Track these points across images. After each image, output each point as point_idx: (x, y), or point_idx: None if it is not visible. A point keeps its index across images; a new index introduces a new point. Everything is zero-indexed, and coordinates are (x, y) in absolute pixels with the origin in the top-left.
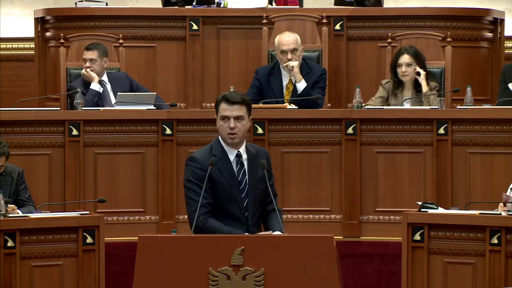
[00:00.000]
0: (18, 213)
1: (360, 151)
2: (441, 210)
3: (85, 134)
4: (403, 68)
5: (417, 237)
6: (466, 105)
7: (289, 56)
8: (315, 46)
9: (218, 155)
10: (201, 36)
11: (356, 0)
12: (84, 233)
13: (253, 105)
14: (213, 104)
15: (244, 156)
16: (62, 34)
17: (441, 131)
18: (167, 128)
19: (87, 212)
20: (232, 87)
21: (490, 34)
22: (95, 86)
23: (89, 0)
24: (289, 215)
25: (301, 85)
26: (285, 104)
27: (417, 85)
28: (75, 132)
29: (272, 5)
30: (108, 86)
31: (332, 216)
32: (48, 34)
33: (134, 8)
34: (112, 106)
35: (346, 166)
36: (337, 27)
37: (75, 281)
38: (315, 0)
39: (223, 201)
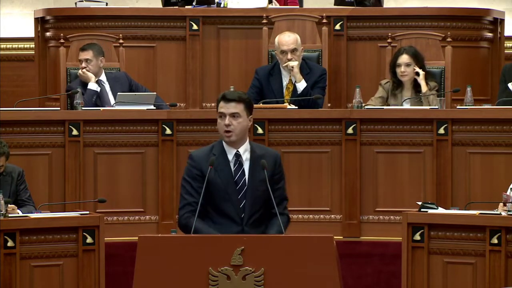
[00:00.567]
0: (18, 213)
1: (360, 151)
2: (441, 210)
3: (85, 134)
4: (402, 68)
5: (417, 237)
6: (466, 105)
7: (289, 56)
8: (315, 46)
9: (217, 154)
10: (201, 36)
11: (356, 0)
12: (84, 233)
13: (254, 105)
14: (213, 104)
15: (246, 156)
16: (62, 34)
17: (441, 131)
18: (167, 128)
19: (87, 212)
20: (232, 87)
21: (490, 34)
22: (92, 86)
23: (89, 0)
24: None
25: (301, 85)
26: (285, 104)
27: (416, 85)
28: (75, 132)
29: (272, 3)
30: (107, 86)
31: (332, 216)
32: (48, 34)
33: (134, 8)
34: (112, 106)
35: (346, 166)
36: (337, 27)
37: (75, 281)
38: (315, 0)
39: (218, 200)
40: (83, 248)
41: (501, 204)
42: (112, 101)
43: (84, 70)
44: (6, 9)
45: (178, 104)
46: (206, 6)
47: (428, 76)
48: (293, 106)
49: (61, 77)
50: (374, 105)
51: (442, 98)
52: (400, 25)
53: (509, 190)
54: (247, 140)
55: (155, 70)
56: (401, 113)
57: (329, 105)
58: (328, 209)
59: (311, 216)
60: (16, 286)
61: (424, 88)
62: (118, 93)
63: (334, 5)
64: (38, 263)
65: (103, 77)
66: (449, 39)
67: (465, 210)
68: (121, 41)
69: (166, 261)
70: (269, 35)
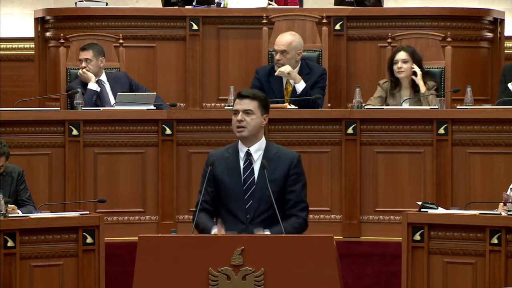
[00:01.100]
0: (18, 213)
1: (360, 151)
2: (441, 210)
3: (85, 134)
4: (399, 64)
5: (417, 237)
6: (466, 105)
7: (278, 56)
8: (315, 46)
9: (230, 153)
10: (201, 36)
11: (356, 0)
12: (84, 233)
13: None
14: (213, 104)
15: (257, 155)
16: (62, 34)
17: (441, 131)
18: (167, 128)
19: (87, 212)
20: (232, 87)
21: (490, 34)
22: (92, 85)
23: (89, 0)
24: None
25: (300, 85)
26: (285, 104)
27: (414, 85)
28: (75, 132)
29: (272, 1)
30: (107, 86)
31: (332, 216)
32: (48, 34)
33: (134, 8)
34: (112, 106)
35: (346, 166)
36: (337, 27)
37: (75, 281)
38: (315, 0)
39: (225, 198)
40: (83, 248)
41: (501, 204)
42: (112, 101)
43: (84, 70)
44: (6, 9)
45: (178, 104)
46: (206, 6)
47: (427, 75)
48: (293, 106)
49: (61, 77)
50: (374, 105)
51: (442, 98)
52: (400, 25)
53: (509, 190)
54: (262, 140)
55: (155, 70)
56: (401, 113)
57: (329, 105)
58: (328, 209)
59: (311, 216)
60: (16, 286)
61: (422, 88)
62: (118, 93)
63: (334, 5)
64: (38, 263)
65: (103, 77)
66: (449, 39)
67: (465, 210)
68: (121, 41)
69: (166, 261)
70: (269, 35)
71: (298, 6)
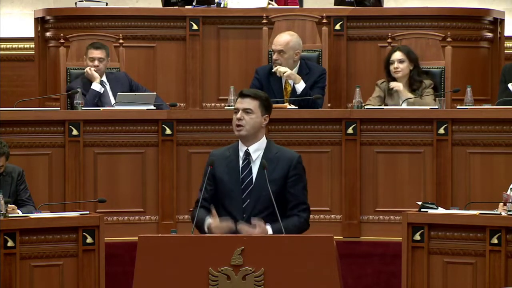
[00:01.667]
0: (18, 213)
1: (360, 151)
2: (441, 210)
3: (85, 134)
4: (395, 64)
5: (417, 237)
6: (466, 105)
7: (275, 56)
8: (315, 46)
9: (231, 153)
10: (201, 36)
11: (356, 0)
12: (84, 233)
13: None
14: (213, 104)
15: (257, 155)
16: (62, 34)
17: (441, 131)
18: (167, 128)
19: (87, 212)
20: (232, 87)
21: (490, 34)
22: (96, 86)
23: (89, 0)
24: None
25: (300, 86)
26: (285, 104)
27: (411, 84)
28: (75, 132)
29: (272, 1)
30: (108, 86)
31: (332, 216)
32: (48, 34)
33: (134, 8)
34: (112, 106)
35: (346, 166)
36: (337, 27)
37: (75, 281)
38: (315, 0)
39: (222, 196)
40: (83, 248)
41: (501, 204)
42: (113, 101)
43: (92, 68)
44: (6, 9)
45: (178, 104)
46: (206, 6)
47: (423, 74)
48: (293, 106)
49: (61, 77)
50: (373, 105)
51: (442, 98)
52: (400, 25)
53: (509, 190)
54: (262, 140)
55: (155, 70)
56: (401, 113)
57: (329, 105)
58: (328, 209)
59: (311, 216)
60: (16, 286)
61: (405, 95)
62: (118, 93)
63: (334, 5)
64: (38, 263)
65: (104, 78)
66: (449, 39)
67: (465, 210)
68: (121, 41)
69: (166, 261)
70: (269, 35)
71: (298, 6)
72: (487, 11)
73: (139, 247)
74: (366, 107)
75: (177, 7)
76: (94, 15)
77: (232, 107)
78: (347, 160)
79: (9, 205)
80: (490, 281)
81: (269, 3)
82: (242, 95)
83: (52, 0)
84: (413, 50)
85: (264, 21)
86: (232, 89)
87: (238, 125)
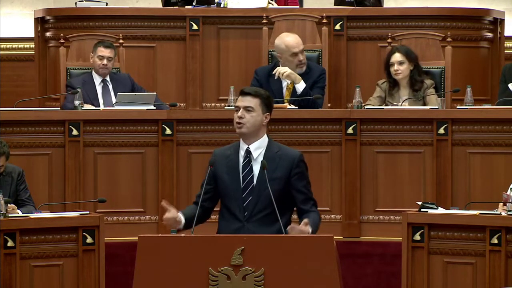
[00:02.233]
0: (18, 213)
1: (360, 151)
2: (441, 210)
3: (85, 134)
4: (395, 67)
5: (417, 237)
6: (466, 105)
7: (301, 57)
8: (315, 46)
9: (232, 151)
10: (201, 36)
11: (356, 0)
12: (84, 233)
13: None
14: (213, 104)
15: (258, 153)
16: (62, 34)
17: (441, 131)
18: (167, 128)
19: (87, 212)
20: (232, 87)
21: (490, 34)
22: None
23: (89, 0)
24: None
25: (300, 86)
26: (285, 104)
27: (412, 84)
28: (75, 132)
29: (272, 1)
30: (110, 86)
31: (332, 216)
32: (48, 34)
33: (134, 8)
34: (112, 106)
35: (346, 166)
36: (337, 27)
37: (75, 281)
38: (315, 0)
39: (223, 195)
40: (83, 248)
41: (501, 204)
42: (114, 101)
43: (104, 66)
44: (6, 9)
45: (178, 104)
46: (206, 6)
47: (424, 74)
48: (293, 106)
49: (61, 77)
50: (374, 105)
51: (442, 98)
52: (400, 25)
53: (509, 190)
54: (263, 138)
55: (155, 70)
56: (401, 113)
57: (329, 105)
58: (328, 209)
59: None
60: (16, 286)
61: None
62: (118, 93)
63: (334, 5)
64: (38, 263)
65: (107, 77)
66: (449, 39)
67: (465, 210)
68: (121, 41)
69: (166, 261)
70: (269, 35)
71: (298, 6)
72: (487, 11)
73: (139, 247)
74: (366, 107)
75: (177, 7)
76: (94, 15)
77: (232, 107)
78: (347, 160)
79: (9, 205)
80: (490, 281)
81: (269, 3)
82: (243, 93)
83: (52, 0)
84: (413, 50)
85: (264, 21)
86: (232, 89)
87: (238, 123)
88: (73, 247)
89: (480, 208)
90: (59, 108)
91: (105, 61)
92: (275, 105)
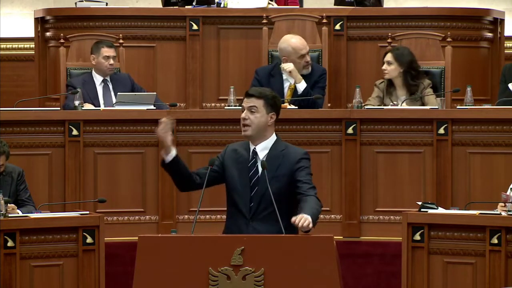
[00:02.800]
0: (18, 213)
1: (360, 151)
2: (441, 210)
3: (85, 134)
4: (384, 66)
5: (417, 237)
6: (466, 105)
7: (307, 58)
8: (315, 46)
9: (243, 149)
10: (201, 36)
11: (356, 0)
12: (84, 233)
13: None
14: (213, 104)
15: (264, 153)
16: (62, 34)
17: (441, 131)
18: None
19: (87, 212)
20: (232, 87)
21: (490, 34)
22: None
23: (89, 0)
24: None
25: (301, 85)
26: (285, 104)
27: (409, 84)
28: (75, 132)
29: (272, 1)
30: (110, 86)
31: (332, 216)
32: (48, 34)
33: (134, 8)
34: (112, 106)
35: (346, 166)
36: (337, 27)
37: (75, 281)
38: (315, 0)
39: (232, 193)
40: (83, 248)
41: (500, 204)
42: (114, 101)
43: (110, 66)
44: (6, 9)
45: (178, 104)
46: (206, 6)
47: (421, 74)
48: (293, 106)
49: (61, 77)
50: (373, 105)
51: (442, 98)
52: (400, 25)
53: (509, 190)
54: (270, 138)
55: (155, 70)
56: (401, 113)
57: (329, 105)
58: (328, 209)
59: None
60: (16, 286)
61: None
62: (118, 93)
63: (334, 5)
64: (38, 263)
65: (107, 77)
66: (449, 39)
67: (465, 210)
68: (121, 41)
69: (166, 261)
70: (269, 35)
71: (298, 6)
72: (487, 11)
73: (139, 247)
74: (365, 107)
75: (177, 7)
76: (94, 15)
77: (232, 107)
78: (347, 160)
79: (9, 205)
80: (490, 281)
81: (269, 3)
82: (247, 94)
83: (52, 0)
84: (413, 50)
85: (264, 21)
86: (232, 89)
87: (244, 125)
88: (73, 247)
89: (480, 208)
90: (59, 108)
91: (111, 61)
92: None
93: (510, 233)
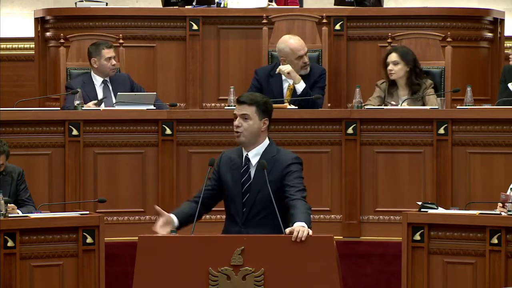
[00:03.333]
0: (18, 213)
1: (360, 151)
2: (441, 210)
3: (85, 134)
4: (390, 66)
5: (417, 237)
6: (466, 105)
7: (306, 59)
8: (315, 46)
9: (237, 155)
10: (201, 36)
11: (356, 0)
12: (84, 233)
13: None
14: (213, 104)
15: (256, 159)
16: (62, 34)
17: (441, 131)
18: (167, 128)
19: (87, 212)
20: (232, 87)
21: (490, 34)
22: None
23: (89, 0)
24: None
25: (300, 86)
26: (285, 104)
27: (411, 84)
28: (75, 132)
29: (272, 1)
30: (110, 87)
31: (332, 216)
32: (48, 34)
33: (134, 8)
34: (112, 106)
35: (346, 166)
36: (337, 27)
37: (75, 281)
38: (315, 0)
39: (226, 199)
40: (83, 248)
41: (500, 204)
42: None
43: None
44: (6, 9)
45: (178, 104)
46: (206, 6)
47: (422, 74)
48: (293, 106)
49: (61, 77)
50: (373, 105)
51: (442, 98)
52: (400, 25)
53: (509, 190)
54: (263, 144)
55: (155, 70)
56: (401, 113)
57: (329, 105)
58: (328, 209)
59: (311, 216)
60: (16, 286)
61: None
62: (118, 93)
63: (334, 5)
64: (38, 263)
65: (107, 78)
66: (449, 39)
67: (465, 210)
68: (121, 41)
69: (166, 261)
70: (269, 35)
71: (298, 6)
72: (487, 11)
73: (139, 247)
74: (366, 107)
75: (177, 7)
76: (94, 15)
77: (232, 107)
78: (347, 160)
79: (9, 205)
80: (490, 281)
81: (269, 3)
82: (238, 101)
83: (52, 0)
84: (413, 50)
85: (264, 21)
86: (232, 89)
87: (236, 132)
88: (73, 247)
89: (480, 208)
90: (59, 108)
91: (113, 61)
92: (275, 106)
93: (510, 233)
